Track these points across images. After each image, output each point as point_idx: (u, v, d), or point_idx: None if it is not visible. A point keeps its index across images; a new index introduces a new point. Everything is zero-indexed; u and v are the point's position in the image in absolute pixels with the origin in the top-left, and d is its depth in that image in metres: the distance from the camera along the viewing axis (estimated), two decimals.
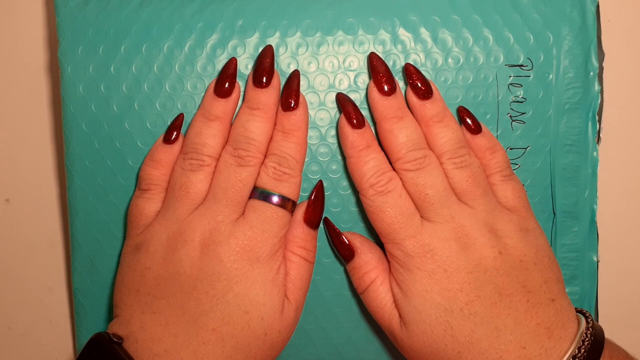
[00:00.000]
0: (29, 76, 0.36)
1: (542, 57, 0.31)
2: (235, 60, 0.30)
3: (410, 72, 0.30)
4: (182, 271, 0.27)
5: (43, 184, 0.37)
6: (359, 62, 0.31)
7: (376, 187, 0.28)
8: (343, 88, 0.31)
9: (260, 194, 0.28)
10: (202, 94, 0.31)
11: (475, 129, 0.30)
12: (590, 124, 0.32)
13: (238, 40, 0.31)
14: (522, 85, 0.31)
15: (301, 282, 0.29)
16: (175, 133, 0.30)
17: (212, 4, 0.31)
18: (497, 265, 0.27)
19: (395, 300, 0.28)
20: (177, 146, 0.30)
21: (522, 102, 0.31)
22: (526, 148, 0.32)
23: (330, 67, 0.31)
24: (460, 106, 0.31)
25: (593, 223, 0.32)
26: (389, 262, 0.29)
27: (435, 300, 0.27)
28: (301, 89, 0.31)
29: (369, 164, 0.29)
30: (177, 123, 0.30)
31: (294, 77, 0.30)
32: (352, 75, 0.31)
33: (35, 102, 0.36)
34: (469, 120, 0.30)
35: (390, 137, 0.29)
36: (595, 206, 0.32)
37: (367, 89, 0.31)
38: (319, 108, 0.31)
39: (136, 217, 0.30)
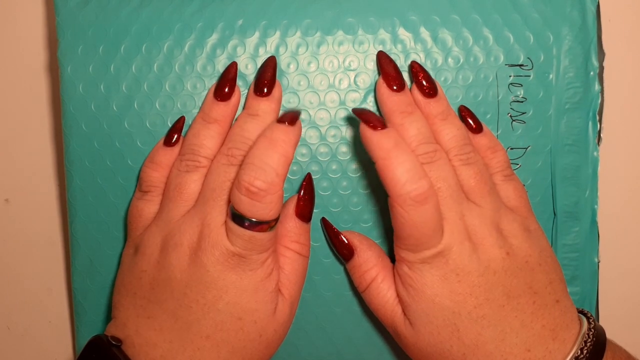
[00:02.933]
0: (29, 76, 0.36)
1: (542, 57, 0.31)
2: (236, 64, 0.30)
3: (416, 70, 0.30)
4: (173, 276, 0.27)
5: (43, 184, 0.37)
6: (359, 62, 0.31)
7: (413, 196, 0.25)
8: (343, 88, 0.31)
9: (233, 215, 0.26)
10: (202, 94, 0.31)
11: (477, 128, 0.30)
12: (590, 123, 0.32)
13: (238, 40, 0.31)
14: (522, 85, 0.31)
15: (296, 276, 0.29)
16: (175, 136, 0.30)
17: (212, 3, 0.31)
18: (506, 267, 0.27)
19: (400, 301, 0.28)
20: (177, 149, 0.30)
21: (522, 101, 0.31)
22: (527, 148, 0.32)
23: (330, 67, 0.31)
24: (462, 105, 0.31)
25: (594, 223, 0.32)
26: (394, 261, 0.29)
27: (444, 304, 0.27)
28: (301, 88, 0.31)
29: (404, 166, 0.25)
30: (178, 126, 0.30)
31: (294, 109, 0.30)
32: (352, 75, 0.31)
33: (35, 102, 0.36)
34: (470, 120, 0.30)
35: (401, 130, 0.28)
36: (596, 206, 0.32)
37: (373, 86, 0.31)
38: (319, 108, 0.31)
39: (136, 218, 0.30)
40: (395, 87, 0.29)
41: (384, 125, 0.26)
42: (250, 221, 0.26)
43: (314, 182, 0.31)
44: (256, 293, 0.27)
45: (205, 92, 0.31)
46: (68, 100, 0.31)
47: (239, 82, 0.31)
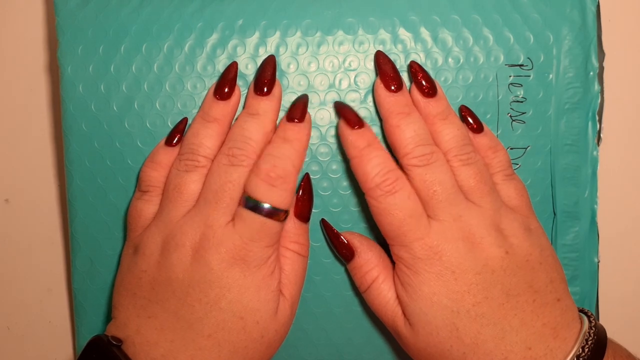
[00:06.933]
0: (29, 76, 0.36)
1: (542, 57, 0.31)
2: (236, 64, 0.30)
3: (415, 70, 0.30)
4: (174, 276, 0.27)
5: (43, 184, 0.37)
6: (359, 62, 0.31)
7: (383, 187, 0.27)
8: (343, 88, 0.31)
9: (248, 202, 0.27)
10: (203, 94, 0.31)
11: (477, 128, 0.30)
12: (590, 123, 0.32)
13: (238, 40, 0.31)
14: (522, 85, 0.31)
15: (296, 277, 0.29)
16: (177, 136, 0.30)
17: (212, 3, 0.31)
18: (505, 266, 0.27)
19: (400, 301, 0.28)
20: (178, 149, 0.30)
21: (522, 101, 0.31)
22: (526, 148, 0.32)
23: (331, 67, 0.31)
24: (462, 105, 0.31)
25: (593, 223, 0.32)
26: (393, 262, 0.29)
27: (442, 303, 0.27)
28: (301, 88, 0.31)
29: (373, 162, 0.28)
30: (180, 127, 0.30)
31: (301, 99, 0.30)
32: (352, 75, 0.31)
33: (35, 102, 0.36)
34: (470, 120, 0.30)
35: (398, 132, 0.28)
36: (595, 206, 0.32)
37: (373, 86, 0.31)
38: (319, 108, 0.31)
39: (135, 218, 0.30)
40: (393, 88, 0.29)
41: (361, 124, 0.29)
42: (265, 207, 0.27)
43: (314, 182, 0.31)
44: (259, 291, 0.27)
45: (206, 92, 0.31)
46: (68, 101, 0.31)
47: (239, 82, 0.31)
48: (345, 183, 0.32)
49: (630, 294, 0.36)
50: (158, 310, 0.27)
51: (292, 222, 0.29)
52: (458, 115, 0.31)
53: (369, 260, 0.29)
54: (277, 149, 0.28)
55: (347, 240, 0.30)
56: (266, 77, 0.29)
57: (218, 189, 0.27)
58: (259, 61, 0.31)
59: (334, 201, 0.32)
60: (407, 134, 0.28)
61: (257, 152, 0.28)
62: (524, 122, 0.31)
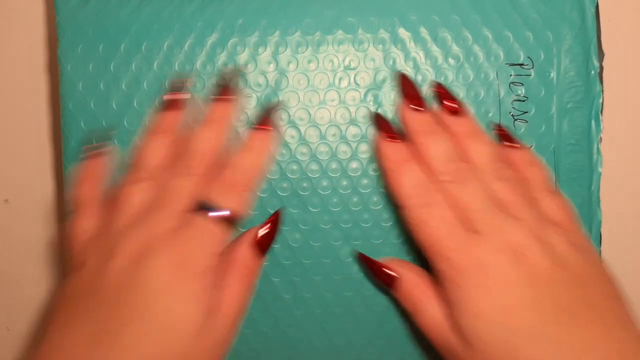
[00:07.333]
0: (29, 75, 0.36)
1: (542, 56, 0.31)
2: (184, 75, 0.30)
3: (439, 89, 0.30)
4: (106, 283, 0.25)
5: (42, 184, 0.37)
6: (358, 61, 0.31)
7: (419, 198, 0.27)
8: (343, 87, 0.31)
9: (196, 206, 0.26)
10: (202, 94, 0.31)
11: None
12: (593, 122, 0.32)
13: (238, 39, 0.31)
14: (523, 84, 0.31)
15: (239, 297, 0.27)
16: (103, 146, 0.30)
17: (212, 2, 0.31)
18: (555, 278, 0.25)
19: (447, 319, 0.27)
20: (106, 160, 0.30)
21: (523, 100, 0.31)
22: (530, 147, 0.31)
23: (330, 66, 0.31)
24: (497, 124, 0.31)
25: (598, 224, 0.32)
26: (434, 278, 0.28)
27: (488, 318, 0.25)
28: (302, 87, 0.31)
29: (409, 175, 0.28)
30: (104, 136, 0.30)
31: (268, 106, 0.30)
32: (352, 74, 0.31)
33: (35, 101, 0.37)
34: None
35: (424, 149, 0.28)
36: (599, 207, 0.32)
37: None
38: (319, 107, 0.31)
39: (74, 238, 0.28)
40: (417, 107, 0.29)
41: (400, 138, 0.29)
42: (212, 212, 0.26)
43: (314, 182, 0.31)
44: (195, 303, 0.25)
45: (205, 91, 0.31)
46: (68, 99, 0.31)
47: (240, 82, 0.31)
48: (345, 182, 0.31)
49: (632, 295, 0.36)
50: (81, 322, 0.25)
51: (251, 250, 0.28)
52: (490, 129, 0.31)
53: (413, 282, 0.28)
54: (238, 157, 0.28)
55: (388, 269, 0.29)
56: (222, 84, 0.29)
57: (166, 197, 0.27)
58: (259, 60, 0.31)
59: (334, 201, 0.31)
60: (433, 151, 0.28)
61: (205, 161, 0.28)
62: (527, 122, 0.31)
